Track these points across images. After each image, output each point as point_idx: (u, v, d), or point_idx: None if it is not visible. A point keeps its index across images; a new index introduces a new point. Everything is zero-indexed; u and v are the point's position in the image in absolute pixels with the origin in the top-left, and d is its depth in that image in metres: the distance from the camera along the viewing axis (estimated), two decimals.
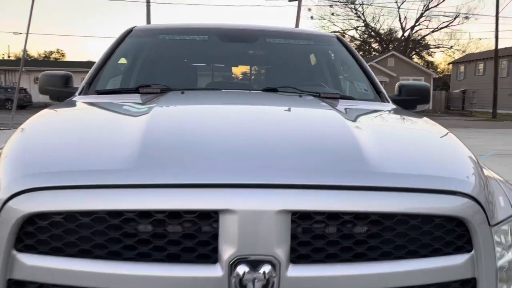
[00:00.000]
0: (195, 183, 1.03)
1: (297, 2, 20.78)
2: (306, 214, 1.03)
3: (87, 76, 2.36)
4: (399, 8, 40.15)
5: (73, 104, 1.99)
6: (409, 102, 2.55)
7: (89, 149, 1.20)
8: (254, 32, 2.70)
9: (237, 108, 1.75)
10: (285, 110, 1.76)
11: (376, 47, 44.60)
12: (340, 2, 39.67)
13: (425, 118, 1.90)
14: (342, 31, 42.79)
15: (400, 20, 42.78)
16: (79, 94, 2.24)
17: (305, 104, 1.95)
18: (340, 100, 2.15)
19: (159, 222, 1.01)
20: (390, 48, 40.56)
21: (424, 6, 40.18)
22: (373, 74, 2.55)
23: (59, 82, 2.43)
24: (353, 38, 45.01)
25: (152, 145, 1.18)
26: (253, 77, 3.04)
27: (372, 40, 45.08)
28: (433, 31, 41.92)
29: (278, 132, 1.34)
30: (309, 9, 38.92)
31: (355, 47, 45.91)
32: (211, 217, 1.01)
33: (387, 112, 2.07)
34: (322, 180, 1.07)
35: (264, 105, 1.86)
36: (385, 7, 41.43)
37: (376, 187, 1.07)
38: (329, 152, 1.22)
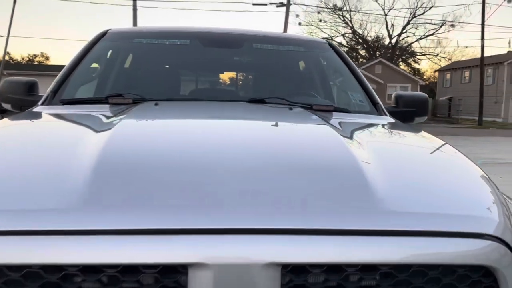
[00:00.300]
0: (157, 228, 0.80)
1: (285, 8, 20.78)
2: (301, 267, 0.81)
3: (52, 84, 2.11)
4: (386, 15, 40.46)
5: (29, 116, 1.75)
6: (406, 114, 2.36)
7: (27, 178, 0.96)
8: (240, 37, 2.48)
9: (216, 126, 1.51)
10: (274, 129, 1.51)
11: (364, 54, 44.81)
12: (328, 8, 39.81)
13: (424, 133, 1.71)
14: (330, 38, 42.92)
15: (387, 27, 42.92)
16: (42, 103, 1.99)
17: (297, 119, 1.72)
18: (334, 113, 1.94)
19: (110, 280, 0.78)
20: (378, 55, 40.79)
21: (411, 13, 40.53)
22: (368, 83, 2.35)
23: (22, 89, 2.18)
24: (340, 45, 45.18)
25: (106, 176, 0.94)
26: (238, 86, 2.80)
27: (360, 47, 45.31)
28: (419, 39, 42.27)
29: (265, 160, 1.09)
30: (297, 15, 38.97)
31: None
32: (178, 272, 0.79)
33: (387, 127, 1.86)
34: (321, 223, 0.85)
35: (249, 122, 1.62)
36: (372, 13, 41.67)
37: (388, 231, 0.86)
38: (329, 186, 0.98)
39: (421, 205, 0.95)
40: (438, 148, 1.50)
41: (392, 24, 43.34)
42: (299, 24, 38.34)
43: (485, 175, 1.23)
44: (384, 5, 42.95)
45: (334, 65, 2.59)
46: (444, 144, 1.53)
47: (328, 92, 2.45)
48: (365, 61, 39.57)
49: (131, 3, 28.14)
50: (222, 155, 1.09)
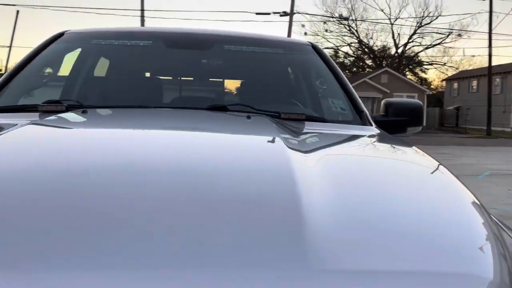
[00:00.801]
0: None
1: (288, 17, 20.62)
2: None
3: None
4: (392, 24, 40.23)
5: None
6: (397, 124, 2.08)
7: None
8: (210, 38, 2.22)
9: (133, 140, 1.20)
10: (206, 146, 1.17)
11: (370, 64, 44.53)
12: (334, 18, 39.66)
13: (415, 149, 1.41)
14: (336, 47, 42.73)
15: (393, 36, 42.63)
16: None
17: (248, 131, 1.44)
18: (307, 122, 1.67)
19: None
20: (384, 64, 40.50)
21: (417, 23, 40.27)
22: (352, 90, 2.07)
23: None
24: (347, 55, 45.00)
25: None
26: (202, 92, 2.51)
27: (366, 56, 45.05)
28: (426, 48, 41.92)
29: (173, 189, 0.80)
30: (303, 25, 38.64)
31: (349, 63, 45.94)
32: None
33: (367, 140, 1.58)
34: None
35: (180, 135, 1.32)
36: (378, 23, 41.40)
37: None
38: (246, 231, 0.68)
39: (381, 260, 0.65)
40: (423, 169, 1.21)
41: (399, 34, 43.10)
42: (305, 34, 38.17)
43: (477, 202, 0.95)
44: (390, 15, 42.58)
45: (316, 68, 2.31)
46: (432, 162, 1.24)
47: (306, 98, 2.17)
48: (371, 70, 39.30)
49: (138, 13, 28.25)
50: (111, 182, 0.81)
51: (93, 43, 2.32)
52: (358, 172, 1.08)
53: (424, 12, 39.84)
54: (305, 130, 1.59)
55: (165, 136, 1.28)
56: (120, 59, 2.24)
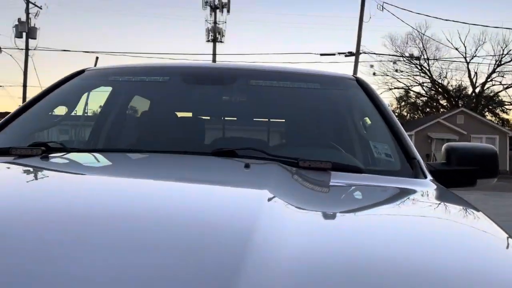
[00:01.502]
0: None
1: (354, 57, 20.20)
2: None
3: None
4: (468, 63, 38.23)
5: None
6: (463, 175, 1.63)
7: None
8: (234, 72, 1.95)
9: (69, 190, 0.97)
10: (177, 197, 0.94)
11: (445, 104, 42.32)
12: (404, 57, 38.55)
13: (480, 215, 0.99)
14: (407, 87, 41.29)
15: (469, 75, 40.27)
16: None
17: (236, 182, 1.13)
18: (335, 173, 1.30)
19: None
20: (460, 104, 38.27)
21: (496, 61, 37.88)
22: (403, 131, 1.67)
23: None
24: (419, 95, 43.25)
25: None
26: (212, 132, 2.21)
27: (440, 96, 42.95)
28: (507, 87, 39.11)
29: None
30: (371, 66, 37.82)
31: (421, 104, 43.98)
32: None
33: (412, 199, 1.17)
34: None
35: (157, 185, 1.06)
36: (453, 61, 39.47)
37: None
38: None
39: None
40: (494, 256, 0.79)
41: (476, 73, 40.46)
42: (374, 74, 37.37)
43: None
44: (465, 53, 40.47)
45: (359, 106, 1.94)
46: (504, 239, 0.82)
47: (343, 141, 1.79)
48: (445, 111, 37.26)
49: (209, 57, 29.43)
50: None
51: (113, 80, 2.15)
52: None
53: (503, 49, 37.52)
54: (331, 183, 1.22)
55: (127, 184, 1.02)
56: (142, 96, 2.05)
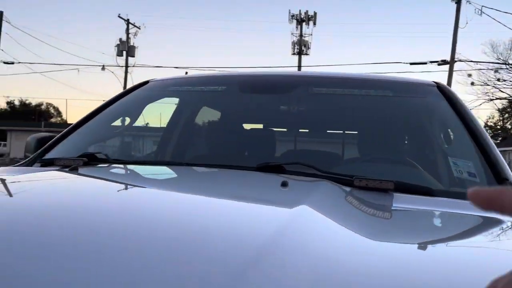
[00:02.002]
0: None
1: (448, 66, 18.79)
2: None
3: (48, 143, 1.75)
4: None
5: None
6: None
7: None
8: (296, 79, 1.80)
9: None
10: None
11: None
12: (507, 64, 35.17)
13: None
14: (511, 97, 37.60)
15: None
16: (24, 163, 1.63)
17: (267, 201, 0.97)
18: (398, 194, 1.08)
19: None
20: None
21: None
22: (493, 147, 1.38)
23: (33, 148, 1.88)
24: None
25: None
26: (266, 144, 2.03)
27: None
28: None
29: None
30: (469, 75, 34.96)
31: None
32: None
33: (507, 237, 0.92)
34: None
35: (186, 198, 0.97)
36: None
37: None
38: None
39: None
40: None
41: None
42: (472, 84, 34.56)
43: None
44: None
45: (439, 116, 1.68)
46: None
47: (412, 157, 1.53)
48: None
49: (293, 69, 29.58)
50: None
51: (178, 90, 2.12)
52: None
53: None
54: (393, 207, 1.02)
55: (154, 197, 0.92)
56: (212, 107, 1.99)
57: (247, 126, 1.98)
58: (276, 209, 0.91)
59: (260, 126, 2.04)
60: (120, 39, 28.87)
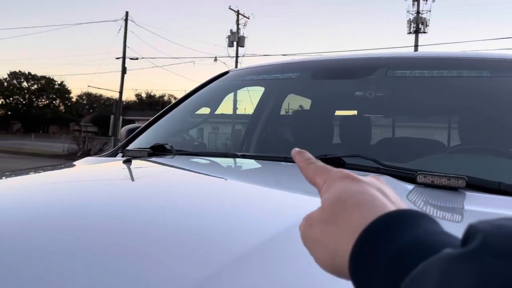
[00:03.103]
0: None
1: None
2: None
3: (132, 134, 1.86)
4: None
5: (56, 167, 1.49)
6: None
7: None
8: (373, 63, 1.65)
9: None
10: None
11: None
12: None
13: None
14: None
15: None
16: (106, 154, 1.75)
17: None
18: (470, 194, 0.92)
19: None
20: None
21: None
22: None
23: (124, 138, 2.02)
24: None
25: None
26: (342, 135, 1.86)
27: None
28: None
29: None
30: None
31: None
32: None
33: None
34: None
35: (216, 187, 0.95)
36: None
37: None
38: None
39: None
40: None
41: None
42: None
43: None
44: None
45: None
46: None
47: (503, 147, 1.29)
48: None
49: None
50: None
51: (256, 80, 2.10)
52: None
53: None
54: (466, 208, 0.87)
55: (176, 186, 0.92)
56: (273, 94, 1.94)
57: (319, 114, 1.89)
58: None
59: (339, 113, 1.93)
60: (231, 30, 29.95)
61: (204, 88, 2.07)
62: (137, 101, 66.40)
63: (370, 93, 1.62)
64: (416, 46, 27.09)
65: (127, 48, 22.82)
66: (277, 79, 1.93)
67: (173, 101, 2.27)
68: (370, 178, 0.38)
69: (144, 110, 56.79)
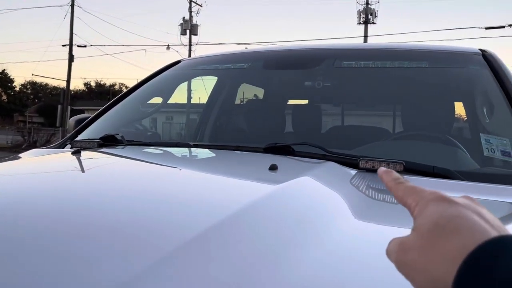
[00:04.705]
0: None
1: None
2: None
3: (81, 124, 1.81)
4: None
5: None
6: None
7: None
8: (320, 53, 1.70)
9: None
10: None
11: None
12: None
13: None
14: None
15: None
16: (55, 146, 1.71)
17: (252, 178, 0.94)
18: (408, 177, 0.99)
19: None
20: None
21: None
22: None
23: (72, 129, 1.96)
24: None
25: None
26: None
27: None
28: None
29: None
30: None
31: None
32: None
33: None
34: None
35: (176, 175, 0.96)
36: None
37: None
38: None
39: None
40: None
41: None
42: None
43: None
44: None
45: (481, 88, 1.51)
46: None
47: (446, 133, 1.39)
48: None
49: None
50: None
51: (208, 69, 2.11)
52: None
53: None
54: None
55: (149, 176, 0.92)
56: (233, 83, 1.96)
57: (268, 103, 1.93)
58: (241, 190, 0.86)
59: (287, 102, 1.97)
60: (183, 18, 29.42)
61: (156, 78, 2.05)
62: (86, 90, 63.95)
63: (319, 83, 1.68)
64: (365, 36, 27.80)
65: (74, 36, 21.86)
66: (229, 69, 1.95)
67: (124, 90, 2.23)
68: (465, 200, 0.37)
69: (93, 99, 54.81)
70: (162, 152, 1.30)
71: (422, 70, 1.60)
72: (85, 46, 23.26)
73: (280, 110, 1.80)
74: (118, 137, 1.46)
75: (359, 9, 29.72)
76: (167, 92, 2.10)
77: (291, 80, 1.73)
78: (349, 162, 1.06)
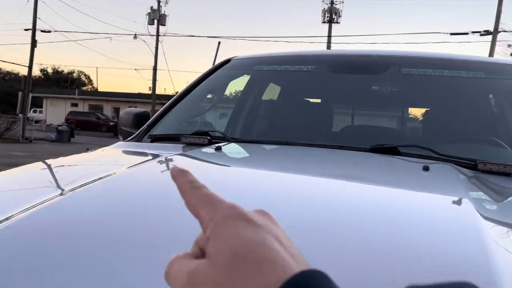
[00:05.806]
0: None
1: (490, 36, 18.00)
2: None
3: (152, 117, 1.87)
4: None
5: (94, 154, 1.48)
6: None
7: None
8: (386, 60, 1.83)
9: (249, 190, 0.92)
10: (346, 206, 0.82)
11: None
12: None
13: None
14: None
15: None
16: (132, 138, 1.75)
17: (419, 187, 0.99)
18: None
19: None
20: None
21: None
22: None
23: (132, 121, 1.99)
24: None
25: None
26: (367, 127, 2.06)
27: None
28: None
29: None
30: (510, 45, 33.36)
31: None
32: None
33: None
34: None
35: (321, 184, 0.97)
36: None
37: None
38: None
39: None
40: None
41: None
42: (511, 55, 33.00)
43: None
44: None
45: None
46: None
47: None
48: None
49: (324, 39, 28.87)
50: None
51: (258, 69, 2.18)
52: None
53: None
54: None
55: (294, 182, 0.99)
56: (288, 87, 2.04)
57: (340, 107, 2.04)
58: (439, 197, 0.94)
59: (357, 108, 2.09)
60: (151, 8, 28.84)
61: (210, 76, 2.10)
62: (42, 76, 61.34)
63: (386, 88, 1.80)
64: (329, 36, 28.35)
65: (38, 20, 20.94)
66: (294, 71, 2.02)
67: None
68: (263, 219, 0.33)
69: (51, 87, 52.62)
70: (290, 151, 1.36)
71: (468, 80, 1.76)
72: (49, 32, 22.39)
73: (348, 114, 1.92)
74: (214, 134, 1.53)
75: (324, 8, 30.27)
76: (219, 90, 2.17)
77: (358, 85, 1.83)
78: (464, 164, 1.19)
